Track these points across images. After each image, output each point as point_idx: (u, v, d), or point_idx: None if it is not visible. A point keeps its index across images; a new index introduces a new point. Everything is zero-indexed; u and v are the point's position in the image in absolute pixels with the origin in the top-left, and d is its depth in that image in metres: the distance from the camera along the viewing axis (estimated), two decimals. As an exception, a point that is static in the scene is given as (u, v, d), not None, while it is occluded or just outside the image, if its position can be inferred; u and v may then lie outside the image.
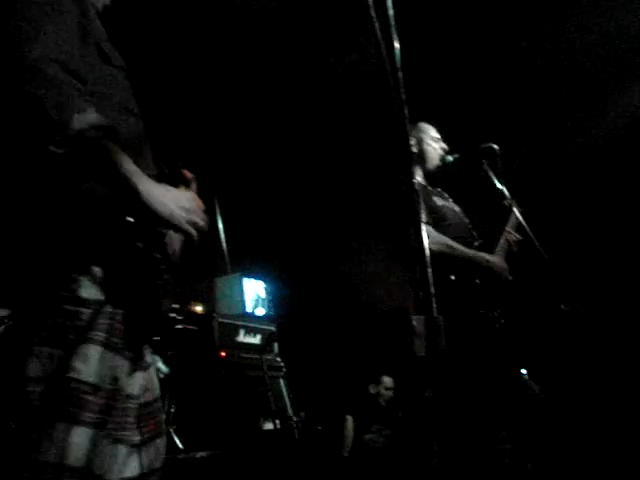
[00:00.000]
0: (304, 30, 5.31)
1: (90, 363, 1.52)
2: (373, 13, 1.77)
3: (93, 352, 1.53)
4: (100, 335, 1.56)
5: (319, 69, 5.67)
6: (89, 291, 1.57)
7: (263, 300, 6.26)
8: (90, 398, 1.51)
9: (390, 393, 6.14)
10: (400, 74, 1.67)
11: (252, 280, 6.19)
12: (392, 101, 1.65)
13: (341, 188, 6.71)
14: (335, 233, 7.13)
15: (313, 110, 6.06)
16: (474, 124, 5.21)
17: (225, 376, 5.05)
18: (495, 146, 4.06)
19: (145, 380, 1.76)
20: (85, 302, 1.55)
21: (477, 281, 3.83)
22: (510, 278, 3.92)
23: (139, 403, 1.71)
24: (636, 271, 5.50)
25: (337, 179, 6.65)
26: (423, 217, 3.76)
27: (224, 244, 5.86)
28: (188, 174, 2.55)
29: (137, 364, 1.69)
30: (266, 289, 6.34)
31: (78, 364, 1.50)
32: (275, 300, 6.43)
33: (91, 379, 1.52)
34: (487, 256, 3.90)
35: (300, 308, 7.07)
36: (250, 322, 5.71)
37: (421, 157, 4.11)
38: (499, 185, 4.10)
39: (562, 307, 3.96)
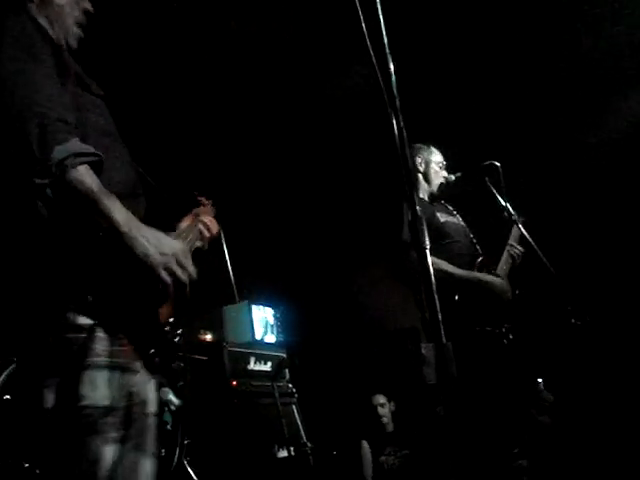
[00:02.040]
0: (303, 56, 5.35)
1: (98, 388, 1.60)
2: (368, 40, 1.79)
3: (99, 377, 1.61)
4: (103, 360, 1.63)
5: (321, 94, 5.70)
6: (84, 318, 1.63)
7: (272, 327, 6.23)
8: (108, 420, 1.60)
9: (386, 410, 6.11)
10: (397, 100, 1.68)
11: (260, 307, 6.16)
12: (391, 126, 1.66)
13: (348, 210, 6.72)
14: (342, 255, 7.13)
15: (317, 135, 6.09)
16: (476, 142, 5.22)
17: (237, 405, 5.03)
18: (497, 163, 4.07)
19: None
20: (81, 329, 1.63)
21: (481, 298, 3.83)
22: (510, 298, 3.92)
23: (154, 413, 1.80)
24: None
25: (343, 202, 6.66)
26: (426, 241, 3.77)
27: (231, 272, 5.84)
28: (204, 201, 2.65)
29: (147, 375, 1.76)
30: (275, 315, 6.30)
31: (87, 392, 1.58)
32: (285, 326, 6.40)
33: (103, 402, 1.60)
34: (487, 277, 3.90)
35: (311, 333, 7.05)
36: (260, 349, 5.69)
37: (426, 177, 4.18)
38: (502, 201, 4.10)
39: (573, 321, 3.95)
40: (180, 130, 5.60)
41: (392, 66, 1.70)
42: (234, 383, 5.10)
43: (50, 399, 1.58)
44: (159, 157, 4.57)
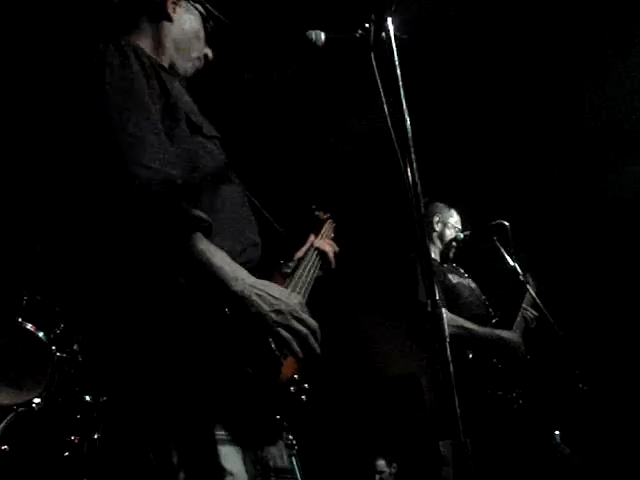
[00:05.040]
0: (315, 102, 5.37)
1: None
2: (381, 88, 1.80)
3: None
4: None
5: (333, 142, 5.72)
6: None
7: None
8: None
9: (386, 475, 6.01)
10: (412, 151, 1.67)
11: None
12: (406, 179, 1.65)
13: (354, 260, 6.67)
14: (345, 304, 7.07)
15: (326, 180, 6.09)
16: (487, 200, 5.21)
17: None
18: (505, 223, 4.06)
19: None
20: None
21: (494, 360, 3.79)
22: (525, 353, 3.88)
23: None
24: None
25: (351, 251, 6.61)
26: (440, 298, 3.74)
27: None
28: (322, 215, 2.64)
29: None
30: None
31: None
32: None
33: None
34: (503, 333, 3.87)
35: (309, 379, 6.95)
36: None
37: (440, 237, 4.17)
38: (511, 261, 4.08)
39: (580, 386, 3.90)
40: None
41: (408, 119, 1.69)
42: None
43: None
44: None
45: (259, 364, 1.61)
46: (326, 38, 1.98)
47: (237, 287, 1.56)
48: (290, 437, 5.54)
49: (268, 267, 1.91)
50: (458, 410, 1.36)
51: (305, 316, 1.67)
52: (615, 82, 5.28)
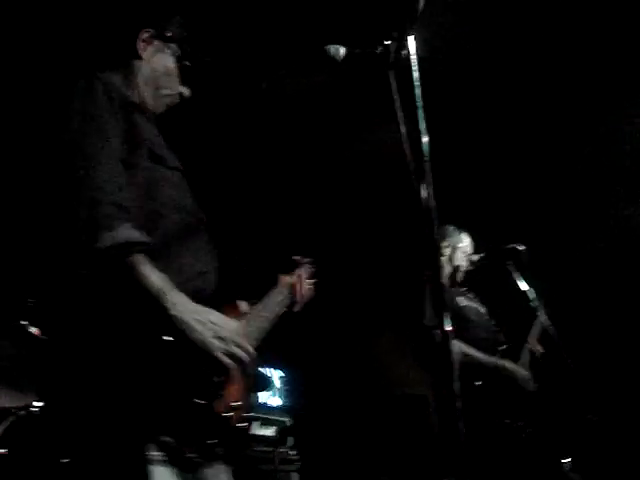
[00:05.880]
0: (330, 115, 5.35)
1: None
2: (398, 107, 1.79)
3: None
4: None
5: (345, 156, 5.69)
6: None
7: (279, 390, 6.10)
8: None
9: None
10: (429, 173, 1.63)
11: (268, 369, 6.05)
12: (419, 198, 1.62)
13: (362, 277, 6.62)
14: (353, 322, 7.02)
15: (338, 195, 6.05)
16: (501, 223, 5.16)
17: (235, 472, 4.88)
18: (520, 247, 3.99)
19: None
20: None
21: (502, 389, 3.73)
22: (533, 388, 3.82)
23: None
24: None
25: (359, 268, 6.57)
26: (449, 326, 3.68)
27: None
28: (300, 260, 2.63)
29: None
30: (281, 378, 6.18)
31: None
32: (291, 389, 6.26)
33: None
34: (509, 365, 3.81)
35: (317, 397, 6.89)
36: (264, 413, 5.55)
37: (449, 261, 4.11)
38: (524, 286, 4.01)
39: (589, 417, 3.84)
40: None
41: (425, 139, 1.67)
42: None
43: None
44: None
45: (199, 388, 1.65)
46: (346, 53, 1.96)
47: (175, 311, 1.62)
48: (292, 452, 5.54)
49: (225, 302, 1.95)
50: (463, 448, 1.31)
51: (244, 343, 1.73)
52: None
